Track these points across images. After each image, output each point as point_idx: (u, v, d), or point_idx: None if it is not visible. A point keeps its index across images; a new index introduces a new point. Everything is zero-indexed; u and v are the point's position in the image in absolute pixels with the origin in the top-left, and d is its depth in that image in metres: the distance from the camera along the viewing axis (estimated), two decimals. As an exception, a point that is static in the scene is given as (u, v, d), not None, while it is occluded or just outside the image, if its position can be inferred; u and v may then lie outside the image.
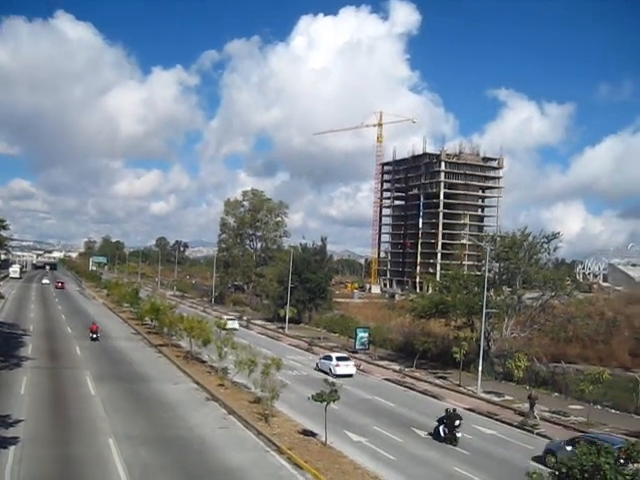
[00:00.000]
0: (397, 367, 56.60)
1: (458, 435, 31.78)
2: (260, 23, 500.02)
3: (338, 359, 51.66)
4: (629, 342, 69.08)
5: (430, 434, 33.05)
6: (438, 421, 32.59)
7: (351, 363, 52.02)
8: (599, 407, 41.65)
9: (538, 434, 35.00)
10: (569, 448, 27.71)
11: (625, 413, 40.96)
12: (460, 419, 32.15)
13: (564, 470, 16.28)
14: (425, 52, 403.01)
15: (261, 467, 25.85)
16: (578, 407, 41.67)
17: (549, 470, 16.52)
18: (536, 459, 29.88)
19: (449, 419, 32.05)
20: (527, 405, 39.33)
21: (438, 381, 50.85)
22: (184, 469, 24.82)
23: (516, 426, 36.82)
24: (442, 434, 32.02)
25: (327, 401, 29.27)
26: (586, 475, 15.85)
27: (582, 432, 34.29)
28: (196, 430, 30.91)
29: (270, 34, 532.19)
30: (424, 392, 46.47)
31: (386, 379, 51.52)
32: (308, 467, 25.50)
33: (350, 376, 49.76)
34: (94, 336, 60.03)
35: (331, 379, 31.37)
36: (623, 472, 15.89)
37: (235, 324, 78.11)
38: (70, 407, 34.29)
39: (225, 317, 75.66)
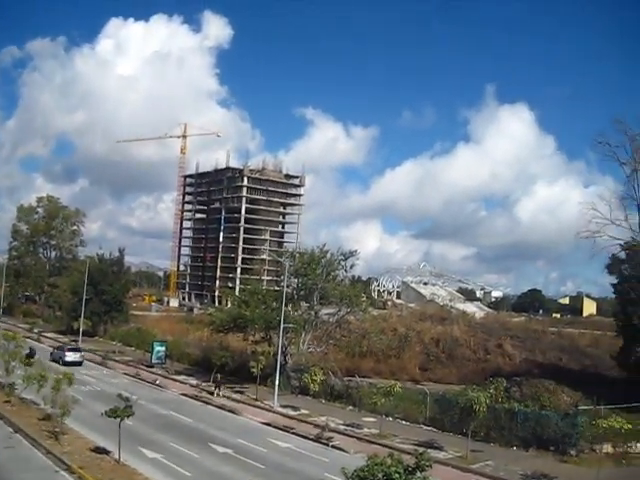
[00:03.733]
0: (194, 382, 56.09)
1: None
2: (67, 23, 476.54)
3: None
4: (419, 357, 72.64)
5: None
6: None
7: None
8: (391, 419, 43.09)
9: (333, 447, 35.77)
10: (57, 351, 62.26)
11: (415, 424, 42.62)
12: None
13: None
14: (235, 67, 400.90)
15: (50, 487, 24.71)
16: (371, 419, 42.92)
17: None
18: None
19: None
20: (323, 419, 40.41)
21: (236, 395, 50.73)
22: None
23: (312, 439, 37.34)
24: None
25: (121, 417, 28.47)
26: (378, 485, 16.38)
27: (375, 444, 35.57)
28: (-22, 451, 29.00)
29: (77, 35, 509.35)
30: (221, 407, 46.31)
31: (183, 394, 50.86)
32: (100, 486, 24.63)
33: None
34: None
35: (125, 394, 30.44)
36: (411, 480, 16.61)
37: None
38: None
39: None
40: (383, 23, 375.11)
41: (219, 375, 52.12)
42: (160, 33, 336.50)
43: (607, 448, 35.13)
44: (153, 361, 63.59)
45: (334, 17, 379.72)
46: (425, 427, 41.94)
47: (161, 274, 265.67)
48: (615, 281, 61.30)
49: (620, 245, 50.11)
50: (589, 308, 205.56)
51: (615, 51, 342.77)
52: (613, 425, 31.29)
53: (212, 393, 50.20)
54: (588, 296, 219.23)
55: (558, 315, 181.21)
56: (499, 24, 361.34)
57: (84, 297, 79.68)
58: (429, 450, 26.03)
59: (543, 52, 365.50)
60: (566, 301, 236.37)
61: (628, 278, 55.02)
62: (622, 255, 54.88)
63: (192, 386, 54.53)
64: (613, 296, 72.90)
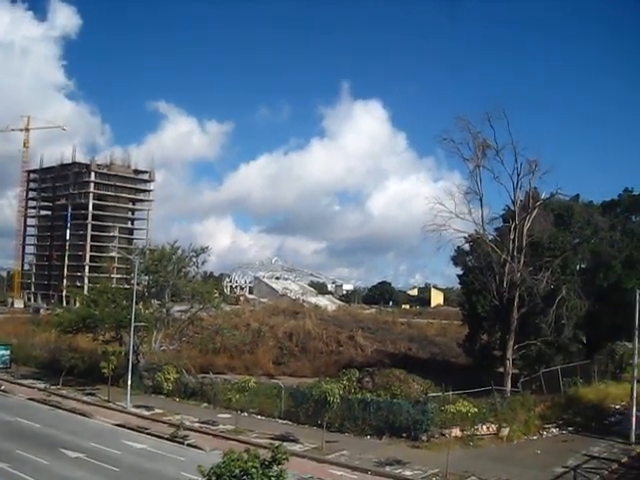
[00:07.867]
0: (43, 385, 54.09)
1: None
2: None
3: None
4: (273, 351, 72.96)
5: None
6: None
7: None
8: (246, 414, 43.11)
9: (189, 445, 35.44)
10: None
11: (270, 418, 42.90)
12: None
13: (214, 478, 16.65)
14: (84, 59, 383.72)
15: None
16: (227, 416, 42.76)
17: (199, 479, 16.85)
18: None
19: None
20: (178, 417, 40.18)
21: (87, 398, 49.37)
22: None
23: (167, 438, 36.80)
24: None
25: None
26: (235, 480, 16.40)
27: (231, 440, 35.52)
28: None
29: None
30: (72, 410, 44.84)
31: (30, 399, 48.92)
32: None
33: None
34: None
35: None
36: (269, 474, 16.72)
37: None
38: None
39: None
40: (239, 19, 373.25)
41: None
42: (2, 19, 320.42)
43: (455, 432, 36.59)
44: (-3, 366, 60.90)
45: (189, 10, 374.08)
46: (281, 421, 42.29)
47: (4, 274, 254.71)
48: (460, 272, 63.95)
49: (464, 238, 52.17)
50: (437, 298, 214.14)
51: (459, 47, 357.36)
52: (460, 410, 32.70)
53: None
54: (435, 287, 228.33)
55: (407, 306, 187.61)
56: (352, 21, 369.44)
57: None
58: (285, 443, 26.30)
59: (393, 48, 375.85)
60: (415, 292, 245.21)
61: (472, 269, 57.43)
62: (466, 247, 57.28)
63: (40, 390, 52.53)
64: (459, 286, 76.05)
